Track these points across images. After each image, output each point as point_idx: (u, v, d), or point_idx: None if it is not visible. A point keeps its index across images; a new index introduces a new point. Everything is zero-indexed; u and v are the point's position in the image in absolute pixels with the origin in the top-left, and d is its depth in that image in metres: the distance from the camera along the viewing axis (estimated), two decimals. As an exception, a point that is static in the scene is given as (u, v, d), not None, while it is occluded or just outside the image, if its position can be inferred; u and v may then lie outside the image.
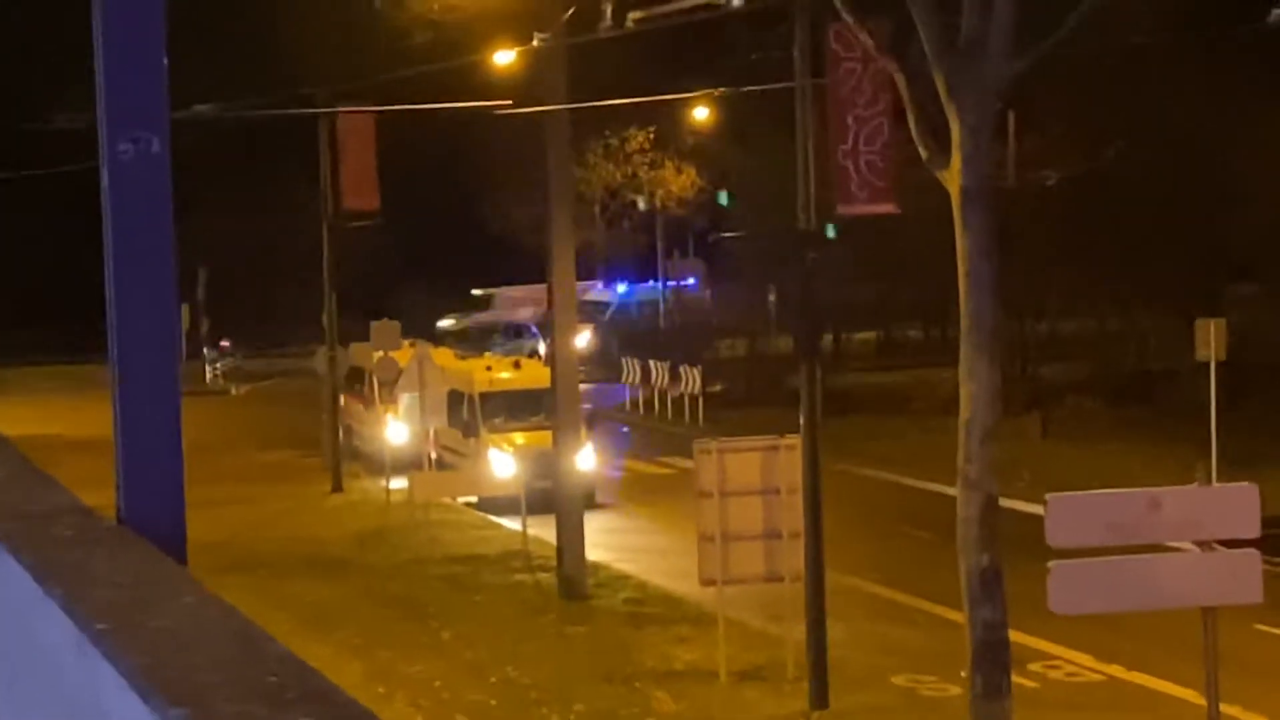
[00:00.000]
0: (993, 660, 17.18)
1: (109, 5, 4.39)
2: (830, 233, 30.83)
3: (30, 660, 3.72)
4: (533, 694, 22.13)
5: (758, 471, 22.52)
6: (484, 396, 38.41)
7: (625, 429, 51.01)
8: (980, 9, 17.41)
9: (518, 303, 70.91)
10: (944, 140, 17.66)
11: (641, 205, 67.63)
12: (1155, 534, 14.38)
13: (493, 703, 21.75)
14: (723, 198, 62.25)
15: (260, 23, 51.18)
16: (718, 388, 54.47)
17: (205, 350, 68.31)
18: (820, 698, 21.06)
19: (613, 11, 23.45)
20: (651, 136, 63.65)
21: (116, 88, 4.38)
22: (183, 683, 2.88)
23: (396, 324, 40.49)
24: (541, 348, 55.84)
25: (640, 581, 28.76)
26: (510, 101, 29.54)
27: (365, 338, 41.36)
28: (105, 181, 4.41)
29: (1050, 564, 14.01)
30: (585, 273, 55.73)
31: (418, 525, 33.49)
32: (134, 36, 4.39)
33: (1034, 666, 22.81)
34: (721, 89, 33.75)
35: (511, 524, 32.74)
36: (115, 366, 4.45)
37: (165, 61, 4.43)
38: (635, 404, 54.79)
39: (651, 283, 72.57)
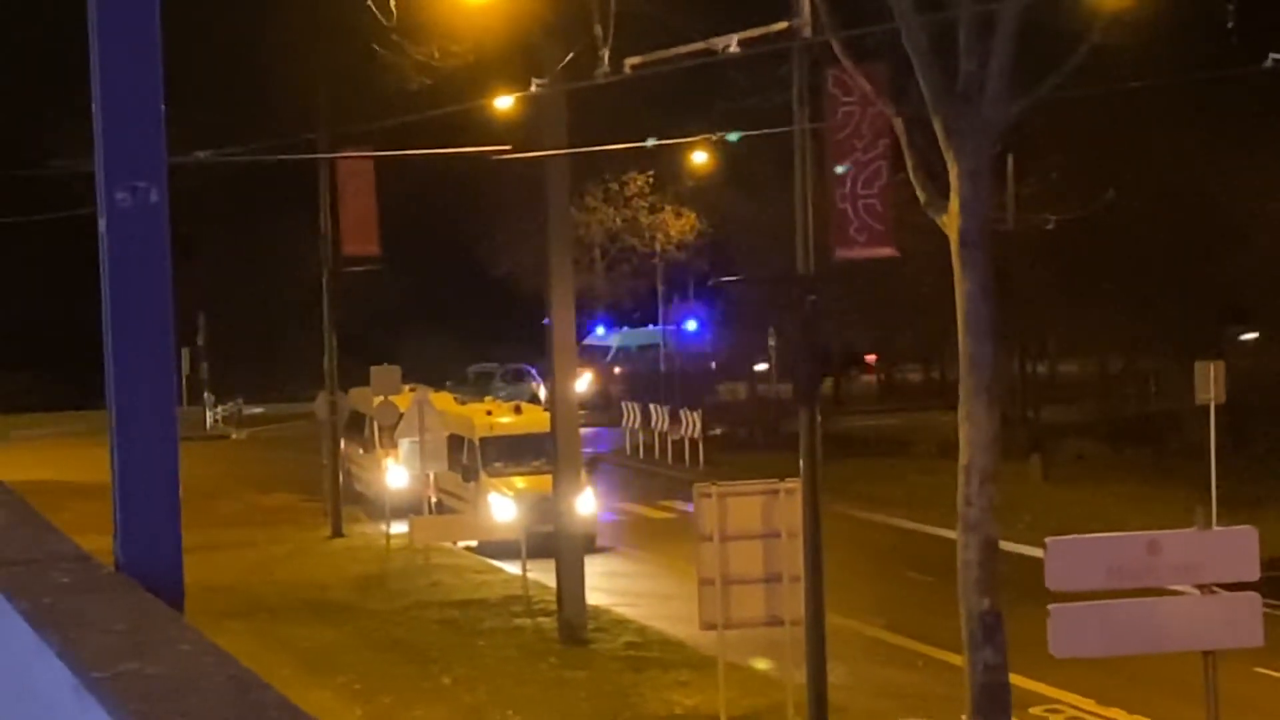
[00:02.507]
0: (993, 704, 17.14)
1: (106, 53, 4.41)
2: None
3: (27, 708, 3.72)
4: (533, 739, 22.09)
5: (758, 515, 22.48)
6: (484, 441, 38.40)
7: (626, 472, 51.00)
8: (978, 54, 17.47)
9: None
10: (942, 184, 17.71)
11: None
12: (1155, 577, 14.38)
13: (493, 748, 21.71)
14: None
15: (260, 68, 51.30)
16: (718, 431, 54.50)
17: (206, 395, 68.29)
18: (821, 742, 21.01)
19: (610, 58, 23.49)
20: (650, 180, 63.75)
21: (114, 136, 4.40)
22: (178, 730, 2.89)
23: (396, 369, 40.48)
24: (542, 392, 55.86)
25: (640, 626, 28.71)
26: (509, 146, 29.58)
27: (366, 382, 41.35)
28: (103, 230, 4.42)
29: (1050, 607, 14.01)
30: (584, 316, 55.75)
31: (418, 569, 33.45)
32: (132, 85, 4.41)
33: (1035, 710, 22.76)
34: (720, 133, 33.78)
35: (512, 568, 32.70)
36: (113, 413, 4.46)
37: (163, 109, 4.45)
38: (635, 448, 54.78)
39: (651, 326, 72.60)
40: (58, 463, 48.50)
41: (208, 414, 67.66)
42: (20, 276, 66.53)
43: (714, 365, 66.71)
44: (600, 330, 74.62)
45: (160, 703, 3.03)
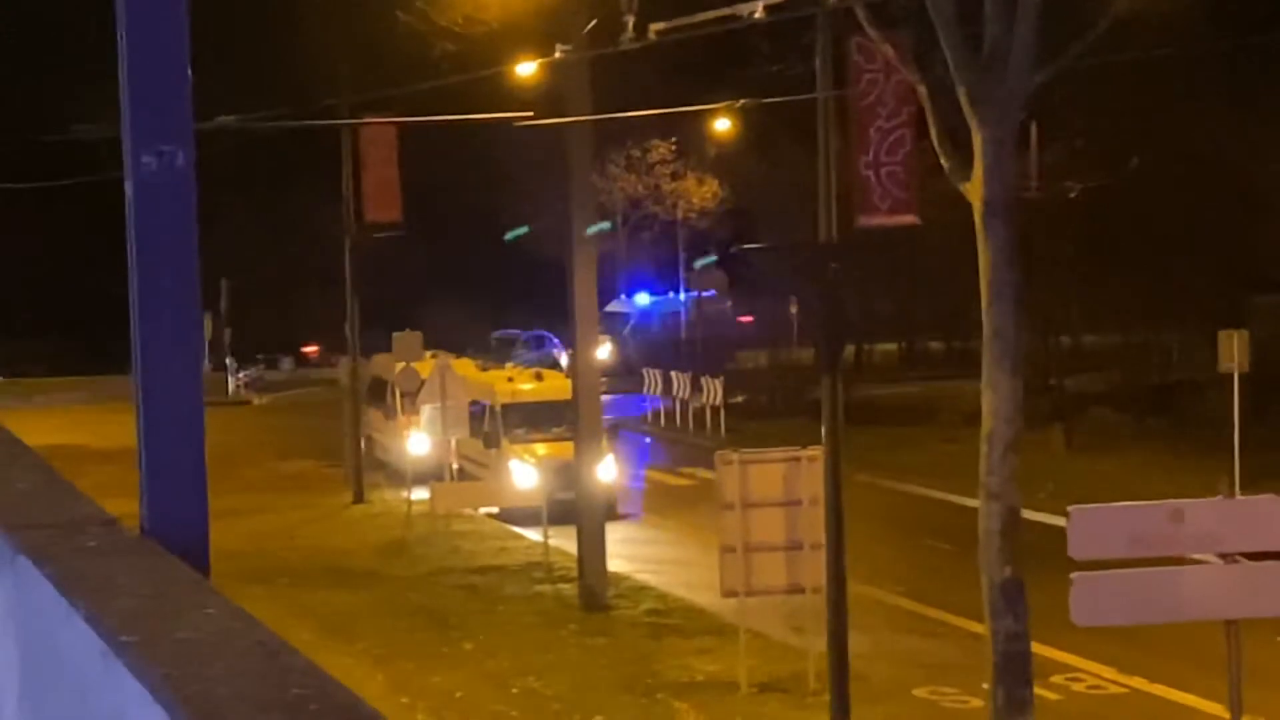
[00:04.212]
0: (1015, 672, 17.14)
1: (133, 18, 4.40)
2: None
3: (55, 672, 3.73)
4: (554, 705, 22.13)
5: (780, 483, 22.51)
6: (506, 408, 38.45)
7: (647, 439, 51.02)
8: (1003, 20, 17.40)
9: None
10: (966, 151, 17.65)
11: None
12: (1178, 546, 14.35)
13: (514, 714, 21.76)
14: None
15: (283, 34, 51.31)
16: (739, 399, 54.49)
17: (228, 361, 68.43)
18: (842, 710, 21.01)
19: (634, 23, 23.45)
20: (674, 148, 63.69)
21: (141, 100, 4.39)
22: (206, 695, 2.89)
23: (418, 335, 40.52)
24: (563, 359, 55.91)
25: (661, 593, 28.75)
26: (531, 113, 29.55)
27: (388, 349, 41.42)
28: (129, 194, 4.42)
29: (1073, 576, 13.99)
30: (606, 283, 55.74)
31: (439, 536, 33.52)
32: (158, 49, 4.40)
33: (1056, 679, 22.77)
34: (743, 101, 33.71)
35: (533, 535, 32.77)
36: (138, 378, 4.46)
37: (190, 74, 4.44)
38: (657, 415, 54.79)
39: (673, 294, 72.57)
40: (80, 427, 48.64)
41: (230, 380, 67.78)
42: (44, 242, 66.66)
43: (735, 333, 66.65)
44: (622, 298, 74.61)
45: (188, 667, 3.04)
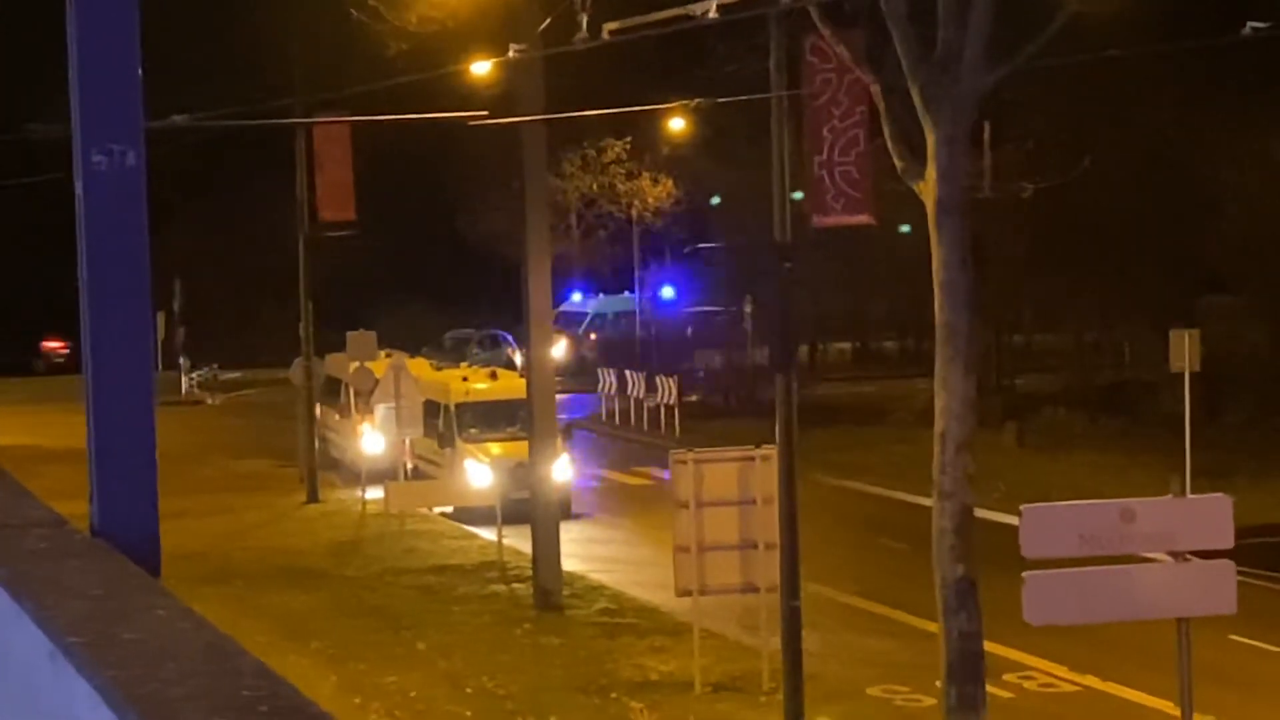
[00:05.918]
0: (967, 671, 17.20)
1: (83, 18, 4.39)
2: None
3: (4, 673, 3.72)
4: (508, 705, 22.11)
5: (734, 482, 22.51)
6: (460, 407, 38.38)
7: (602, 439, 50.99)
8: (956, 21, 17.45)
9: None
10: (919, 151, 17.70)
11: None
12: (1129, 545, 14.40)
13: (468, 714, 21.73)
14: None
15: (237, 32, 51.19)
16: (694, 398, 54.50)
17: (181, 360, 68.14)
18: (795, 709, 21.05)
19: (588, 22, 23.43)
20: (628, 147, 63.68)
21: (91, 100, 4.38)
22: (156, 696, 2.88)
23: (373, 334, 40.45)
24: (518, 358, 55.85)
25: (616, 592, 28.74)
26: (486, 112, 29.51)
27: (342, 348, 41.31)
28: (80, 192, 4.41)
29: (1025, 574, 14.04)
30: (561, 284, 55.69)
31: (393, 536, 33.45)
32: (108, 49, 4.39)
33: (1009, 677, 22.84)
34: (698, 100, 33.72)
35: (487, 534, 32.72)
36: (89, 378, 4.45)
37: (140, 74, 4.43)
38: (611, 414, 54.77)
39: (628, 293, 72.53)
40: (32, 427, 48.39)
41: (183, 379, 67.51)
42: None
43: (690, 332, 66.68)
44: (576, 296, 74.57)
45: (137, 668, 3.03)
